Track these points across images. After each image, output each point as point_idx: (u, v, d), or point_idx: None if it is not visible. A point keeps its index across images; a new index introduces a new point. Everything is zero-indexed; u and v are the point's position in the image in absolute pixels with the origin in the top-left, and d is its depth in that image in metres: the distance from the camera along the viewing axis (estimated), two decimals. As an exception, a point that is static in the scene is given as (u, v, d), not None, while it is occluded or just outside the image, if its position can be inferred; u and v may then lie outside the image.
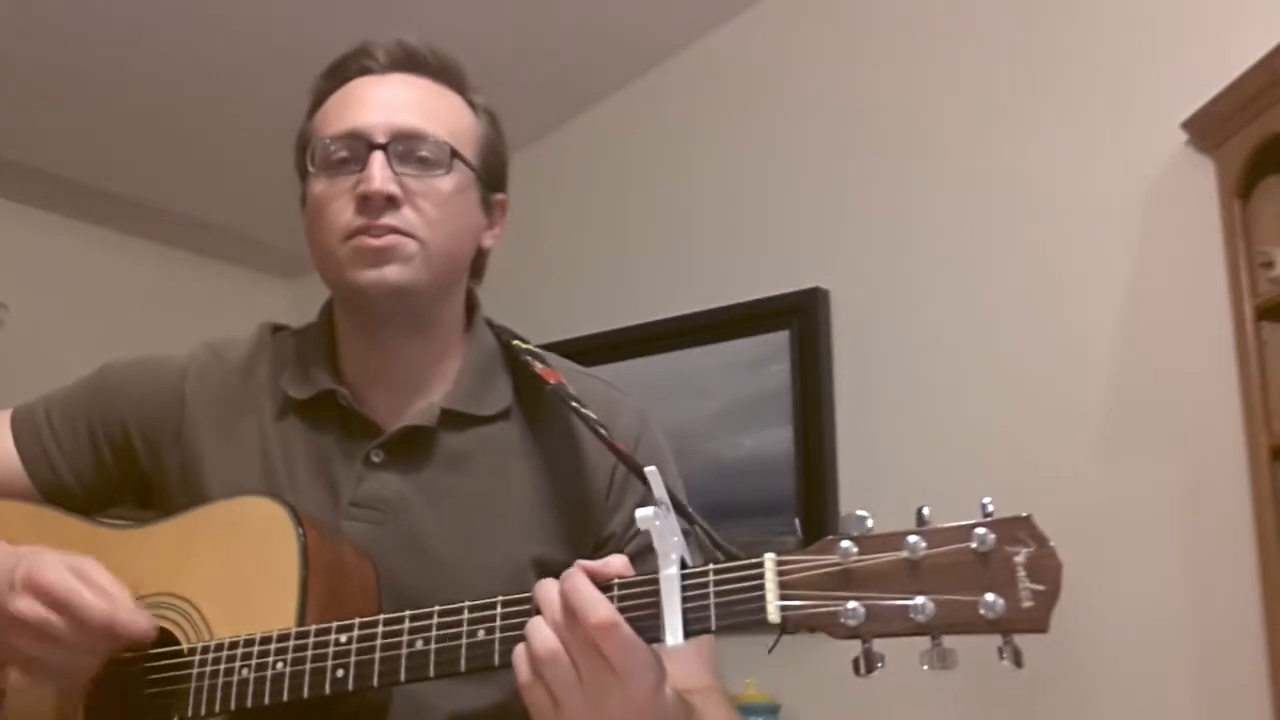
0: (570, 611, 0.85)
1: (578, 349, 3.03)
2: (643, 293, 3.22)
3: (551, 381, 1.12)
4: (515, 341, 1.19)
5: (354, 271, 1.08)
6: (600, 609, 0.85)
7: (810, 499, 2.81)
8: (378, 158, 1.07)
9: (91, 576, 1.00)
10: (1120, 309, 2.47)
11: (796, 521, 2.74)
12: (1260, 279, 2.20)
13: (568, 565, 1.10)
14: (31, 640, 0.98)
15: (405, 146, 1.09)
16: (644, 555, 0.94)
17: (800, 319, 2.91)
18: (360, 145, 1.08)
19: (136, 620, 0.99)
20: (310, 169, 1.11)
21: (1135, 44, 2.51)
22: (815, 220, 2.97)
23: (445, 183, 1.10)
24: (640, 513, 0.85)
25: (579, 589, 0.86)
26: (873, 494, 2.74)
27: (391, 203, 1.07)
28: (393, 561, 1.08)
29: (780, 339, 2.94)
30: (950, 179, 2.75)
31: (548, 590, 0.88)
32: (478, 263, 1.20)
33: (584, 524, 1.14)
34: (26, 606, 0.97)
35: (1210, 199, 2.32)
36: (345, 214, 1.08)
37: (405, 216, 1.08)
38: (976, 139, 2.72)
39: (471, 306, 1.21)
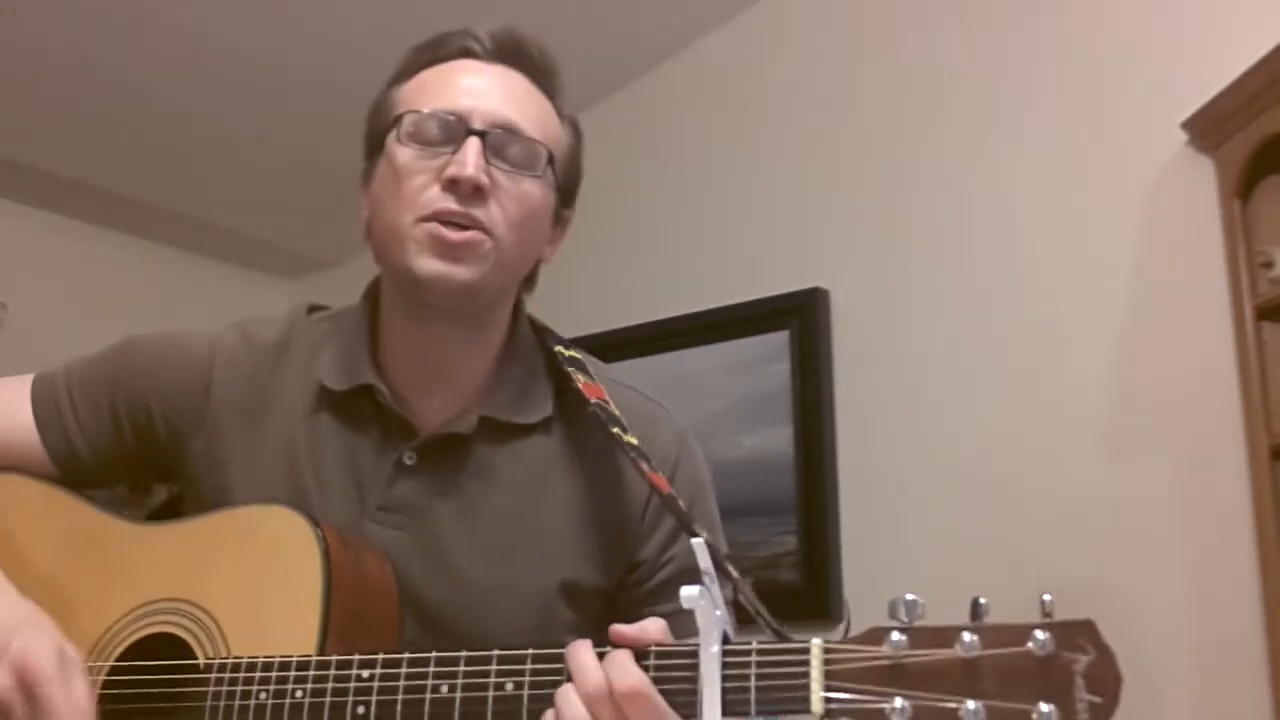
0: (603, 680, 0.84)
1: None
2: (643, 293, 3.21)
3: (593, 400, 1.09)
4: (558, 348, 1.16)
5: (422, 258, 1.03)
6: (629, 676, 0.83)
7: (810, 499, 2.81)
8: (474, 143, 1.03)
9: (73, 678, 0.97)
10: (1120, 309, 2.47)
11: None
12: (1260, 279, 2.20)
13: (597, 589, 1.07)
14: None
15: (502, 140, 1.05)
16: (674, 583, 0.91)
17: (800, 319, 2.90)
18: (457, 127, 1.05)
19: None
20: (394, 138, 1.06)
21: (1135, 44, 2.51)
22: (815, 220, 2.96)
23: (533, 187, 1.07)
24: (685, 591, 0.82)
25: (613, 656, 0.84)
26: (873, 494, 2.74)
27: (479, 193, 1.03)
28: (415, 571, 1.06)
29: (780, 339, 2.94)
30: (950, 179, 2.74)
31: (581, 657, 0.86)
32: (531, 272, 1.17)
33: (617, 547, 1.11)
34: (2, 684, 0.95)
35: (1210, 199, 2.32)
36: (427, 193, 1.03)
37: (489, 211, 1.04)
38: (976, 139, 2.72)
39: (517, 309, 1.18)
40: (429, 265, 1.03)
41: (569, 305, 3.31)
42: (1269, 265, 2.19)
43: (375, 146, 1.11)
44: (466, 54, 1.10)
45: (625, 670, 0.83)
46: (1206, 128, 2.32)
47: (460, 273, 1.03)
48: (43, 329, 3.33)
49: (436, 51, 1.11)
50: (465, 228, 1.03)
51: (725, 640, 0.83)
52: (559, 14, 2.98)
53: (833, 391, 2.85)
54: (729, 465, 2.93)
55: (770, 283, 2.95)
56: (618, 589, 1.12)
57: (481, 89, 1.08)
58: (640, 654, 0.85)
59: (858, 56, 2.97)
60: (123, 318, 3.56)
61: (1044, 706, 0.75)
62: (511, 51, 1.11)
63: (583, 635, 1.06)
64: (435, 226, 1.03)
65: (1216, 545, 2.25)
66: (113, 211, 3.62)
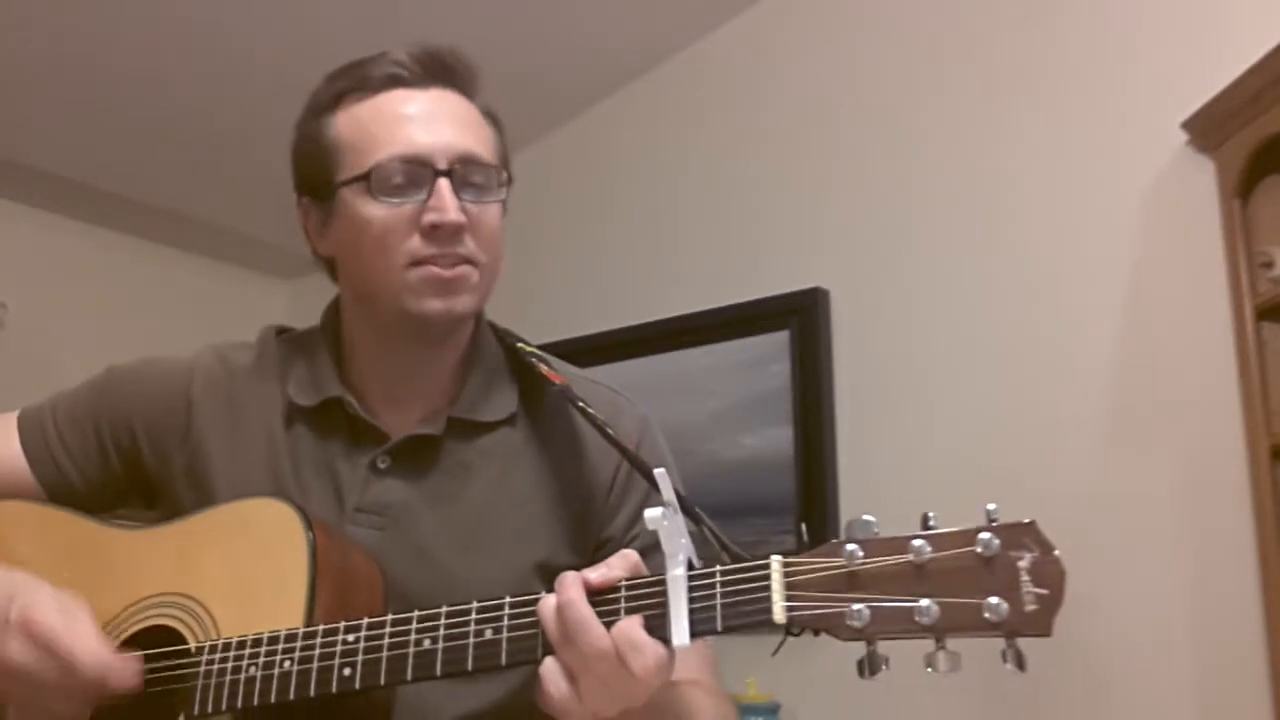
0: (568, 630, 0.87)
1: (578, 349, 3.03)
2: (643, 293, 3.22)
3: (557, 382, 1.13)
4: (520, 344, 1.19)
5: (420, 300, 1.07)
6: (589, 634, 0.86)
7: (810, 499, 2.81)
8: (445, 185, 1.06)
9: (80, 622, 0.99)
10: (1120, 309, 2.47)
11: (803, 526, 2.70)
12: (1260, 279, 2.20)
13: (570, 568, 1.09)
14: (23, 684, 0.97)
15: (464, 172, 1.08)
16: (644, 558, 0.94)
17: (800, 319, 2.91)
18: (423, 171, 1.06)
19: (126, 670, 0.98)
20: (362, 192, 1.07)
21: (1135, 44, 2.51)
22: (815, 220, 2.96)
23: (496, 209, 1.11)
24: (649, 513, 0.86)
25: (574, 605, 0.87)
26: (873, 494, 2.74)
27: (459, 231, 1.06)
28: (397, 568, 1.08)
29: (780, 339, 2.94)
30: (950, 179, 2.75)
31: (546, 612, 0.89)
32: None
33: (585, 526, 1.14)
34: (18, 650, 0.97)
35: (1210, 199, 2.32)
36: (409, 242, 1.06)
37: (469, 245, 1.08)
38: (976, 139, 2.72)
39: (478, 315, 1.21)
40: (430, 305, 1.07)
41: (570, 306, 3.33)
42: (1269, 265, 2.19)
43: (319, 186, 1.12)
44: (397, 82, 1.10)
45: (587, 628, 0.86)
46: (1206, 128, 2.32)
47: (458, 304, 1.08)
48: (43, 329, 3.34)
49: (363, 81, 1.11)
50: (455, 262, 1.07)
51: (690, 567, 0.87)
52: (560, 14, 2.98)
53: (833, 391, 2.85)
54: (729, 465, 2.93)
55: (770, 283, 2.95)
56: (589, 566, 1.14)
57: (431, 121, 1.08)
58: (613, 588, 0.88)
59: (858, 57, 2.97)
60: (122, 318, 3.59)
61: (993, 600, 0.79)
62: (441, 71, 1.12)
63: None
64: (428, 270, 1.06)
65: (1216, 545, 2.25)
66: (113, 211, 3.63)
